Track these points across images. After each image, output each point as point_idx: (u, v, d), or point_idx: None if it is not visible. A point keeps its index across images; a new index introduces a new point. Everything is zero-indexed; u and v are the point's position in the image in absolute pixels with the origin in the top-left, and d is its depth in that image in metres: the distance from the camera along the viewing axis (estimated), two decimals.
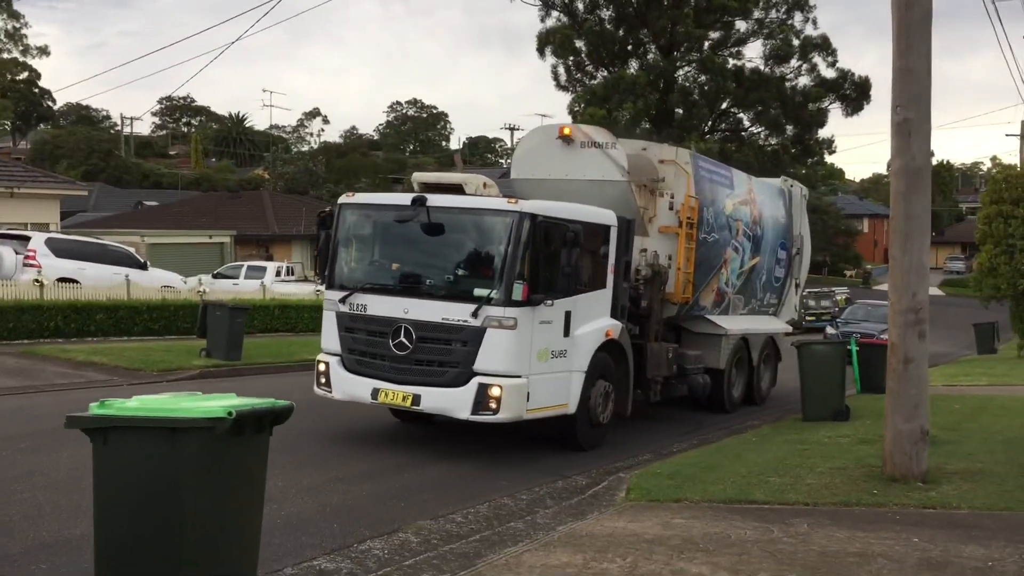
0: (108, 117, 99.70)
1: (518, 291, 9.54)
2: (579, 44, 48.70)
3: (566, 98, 50.48)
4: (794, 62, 46.23)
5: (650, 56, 48.44)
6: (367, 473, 9.36)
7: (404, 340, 9.93)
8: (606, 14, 48.69)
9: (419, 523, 7.65)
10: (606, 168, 12.06)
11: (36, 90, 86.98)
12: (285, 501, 7.95)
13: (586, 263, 10.55)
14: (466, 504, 8.36)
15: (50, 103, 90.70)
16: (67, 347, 17.86)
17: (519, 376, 9.63)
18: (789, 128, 47.06)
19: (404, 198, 10.37)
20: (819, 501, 8.23)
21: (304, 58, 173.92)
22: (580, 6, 48.31)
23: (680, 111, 47.47)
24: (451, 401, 9.68)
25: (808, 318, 42.06)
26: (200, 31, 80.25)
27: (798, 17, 46.24)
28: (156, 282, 23.75)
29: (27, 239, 21.98)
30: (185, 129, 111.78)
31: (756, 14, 46.48)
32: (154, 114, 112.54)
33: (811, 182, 54.13)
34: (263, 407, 4.48)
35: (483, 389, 9.54)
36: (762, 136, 48.27)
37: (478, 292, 9.69)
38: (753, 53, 59.77)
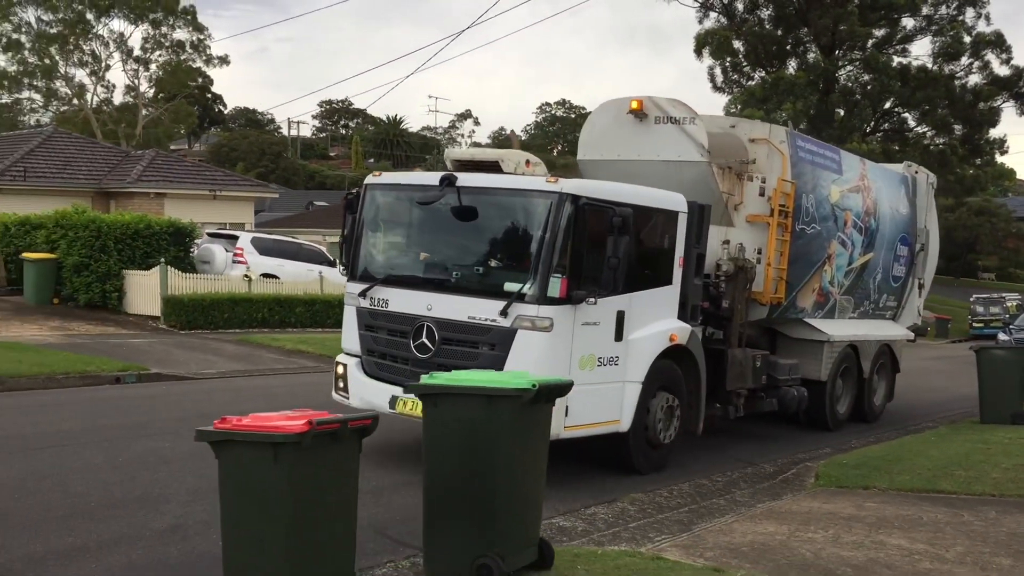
0: (272, 120, 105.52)
1: (555, 287, 8.09)
2: (737, 45, 48.64)
3: (722, 100, 50.27)
4: (964, 60, 44.77)
5: (810, 56, 47.88)
6: (579, 453, 10.37)
7: (426, 341, 8.58)
8: (766, 14, 48.44)
9: (632, 495, 8.65)
10: (683, 147, 10.52)
11: (208, 95, 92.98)
12: None
13: (646, 255, 9.22)
14: (669, 484, 9.30)
15: (221, 107, 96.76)
16: (275, 336, 19.83)
17: None
18: (957, 128, 45.62)
19: (433, 177, 8.96)
20: (1005, 493, 8.76)
21: (457, 60, 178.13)
22: (740, 6, 48.25)
23: (841, 111, 46.74)
24: None
25: (976, 324, 40.83)
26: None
27: (969, 13, 44.77)
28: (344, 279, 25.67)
29: (235, 238, 24.28)
30: (343, 132, 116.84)
31: (924, 10, 45.28)
32: (314, 117, 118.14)
33: (980, 183, 52.20)
34: (553, 383, 5.67)
35: None
36: (928, 136, 46.98)
37: (508, 287, 8.26)
38: (920, 51, 57.61)
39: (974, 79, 45.73)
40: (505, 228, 8.82)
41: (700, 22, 48.12)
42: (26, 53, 59.44)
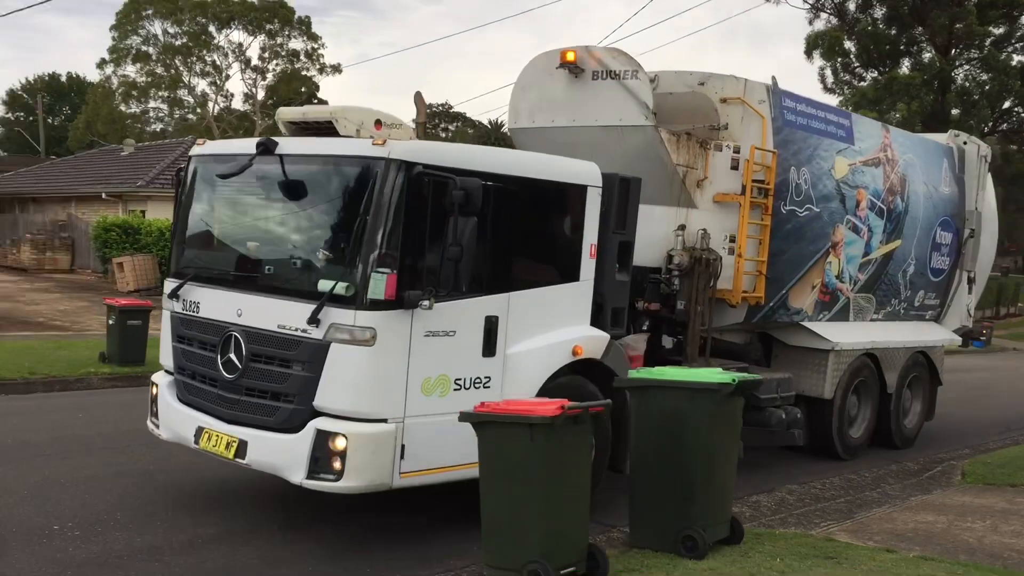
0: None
1: (379, 286, 6.07)
2: (848, 45, 48.15)
3: (833, 100, 49.88)
4: None
5: (925, 55, 47.08)
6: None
7: (233, 357, 6.70)
8: (879, 13, 47.83)
9: (788, 487, 9.29)
10: (625, 108, 8.65)
11: (314, 101, 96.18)
12: None
13: (534, 243, 7.17)
14: (821, 476, 9.89)
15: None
16: None
17: (381, 419, 6.19)
18: None
19: (251, 144, 6.99)
20: None
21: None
22: (851, 6, 47.77)
23: (957, 111, 45.85)
24: (281, 454, 6.35)
25: None
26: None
27: None
28: None
29: None
30: (443, 134, 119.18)
31: None
32: (413, 120, 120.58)
33: None
34: (751, 379, 6.45)
35: (322, 438, 6.16)
36: None
37: (323, 286, 6.28)
38: None
39: None
40: (325, 208, 6.77)
41: (810, 23, 47.80)
42: (153, 64, 62.79)
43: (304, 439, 6.20)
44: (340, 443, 6.08)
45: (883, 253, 11.02)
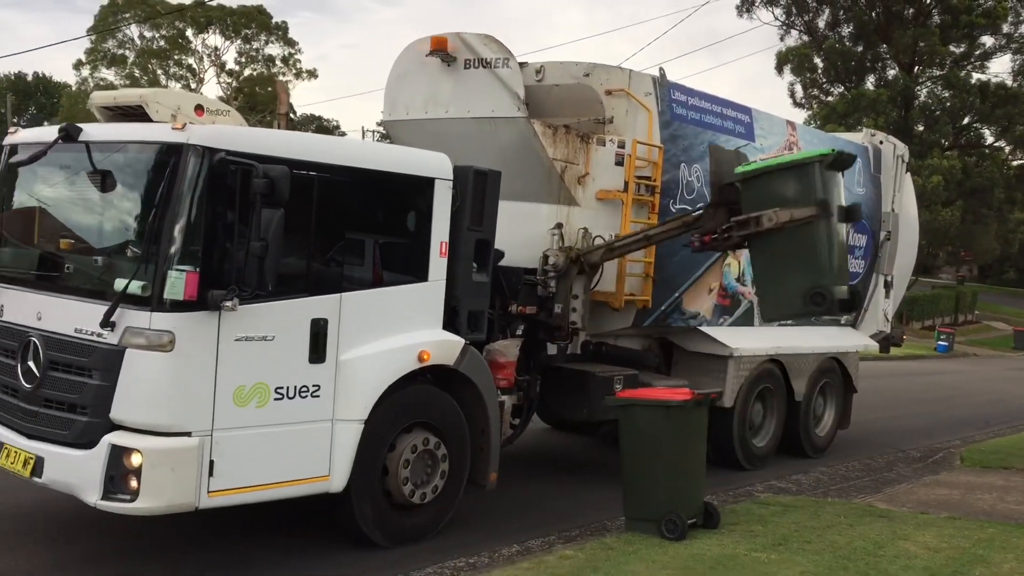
0: (338, 127, 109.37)
1: (177, 284, 5.59)
2: (816, 61, 50.28)
3: (802, 115, 51.96)
4: None
5: (890, 72, 49.34)
6: None
7: (32, 365, 6.14)
8: (846, 31, 50.01)
9: (820, 468, 10.83)
10: (497, 99, 8.34)
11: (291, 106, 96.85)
12: None
13: (372, 239, 6.65)
14: (842, 461, 11.46)
15: (291, 115, 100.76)
16: None
17: (183, 433, 5.68)
18: None
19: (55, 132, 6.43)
20: None
21: None
22: (820, 24, 49.91)
23: (921, 127, 48.16)
24: (76, 472, 5.81)
25: None
26: None
27: None
28: None
29: None
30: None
31: (1005, 28, 46.61)
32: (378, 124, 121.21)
33: None
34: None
35: (117, 454, 5.64)
36: (1007, 151, 48.22)
37: (117, 286, 5.78)
38: (1000, 68, 58.51)
39: None
40: (125, 199, 6.31)
41: (781, 39, 49.91)
42: (131, 67, 63.39)
43: (98, 455, 5.65)
44: (135, 459, 5.54)
45: None
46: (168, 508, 5.66)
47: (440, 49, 8.47)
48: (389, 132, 9.12)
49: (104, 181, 6.11)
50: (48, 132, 6.51)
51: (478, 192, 7.15)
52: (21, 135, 6.89)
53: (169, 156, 5.72)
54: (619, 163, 8.63)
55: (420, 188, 6.80)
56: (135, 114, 6.67)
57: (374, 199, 6.63)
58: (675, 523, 6.73)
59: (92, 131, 6.22)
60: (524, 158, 8.21)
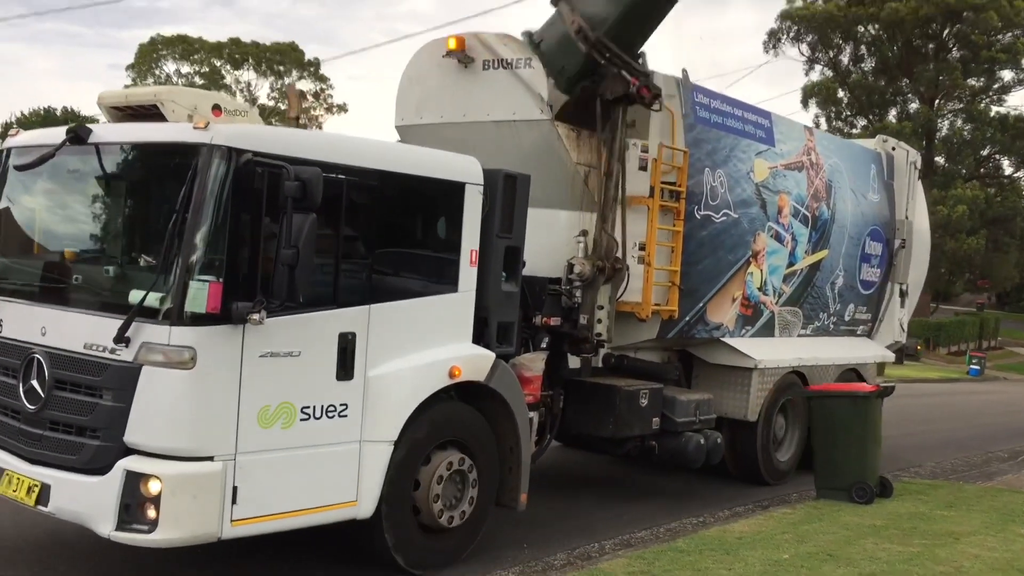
0: None
1: (199, 297, 5.24)
2: (840, 94, 52.12)
3: None
4: None
5: (912, 106, 51.12)
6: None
7: (35, 384, 5.74)
8: (869, 66, 51.85)
9: (935, 459, 12.49)
10: (518, 100, 8.07)
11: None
12: None
13: (402, 247, 6.50)
14: (937, 458, 13.00)
15: (303, 121, 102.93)
16: None
17: (205, 457, 5.34)
18: None
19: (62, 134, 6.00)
20: None
21: None
22: (844, 59, 51.81)
23: (942, 159, 49.92)
24: (87, 500, 5.43)
25: None
26: None
27: None
28: None
29: None
30: None
31: None
32: None
33: None
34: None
35: (133, 481, 5.27)
36: None
37: (133, 298, 5.43)
38: (1018, 100, 60.24)
39: None
40: (141, 204, 6.06)
41: (806, 74, 51.83)
42: None
43: (112, 482, 5.26)
44: (153, 487, 5.16)
45: (809, 263, 10.40)
46: (189, 539, 5.27)
47: (457, 51, 8.23)
48: (403, 138, 8.73)
49: (116, 184, 5.86)
50: (54, 133, 6.06)
51: (508, 197, 6.85)
52: (23, 137, 6.47)
53: (190, 158, 5.32)
54: (642, 168, 8.41)
55: (451, 193, 6.48)
56: (148, 114, 6.13)
57: (403, 204, 6.38)
58: (864, 489, 8.45)
59: (103, 132, 5.87)
60: (547, 163, 7.96)
